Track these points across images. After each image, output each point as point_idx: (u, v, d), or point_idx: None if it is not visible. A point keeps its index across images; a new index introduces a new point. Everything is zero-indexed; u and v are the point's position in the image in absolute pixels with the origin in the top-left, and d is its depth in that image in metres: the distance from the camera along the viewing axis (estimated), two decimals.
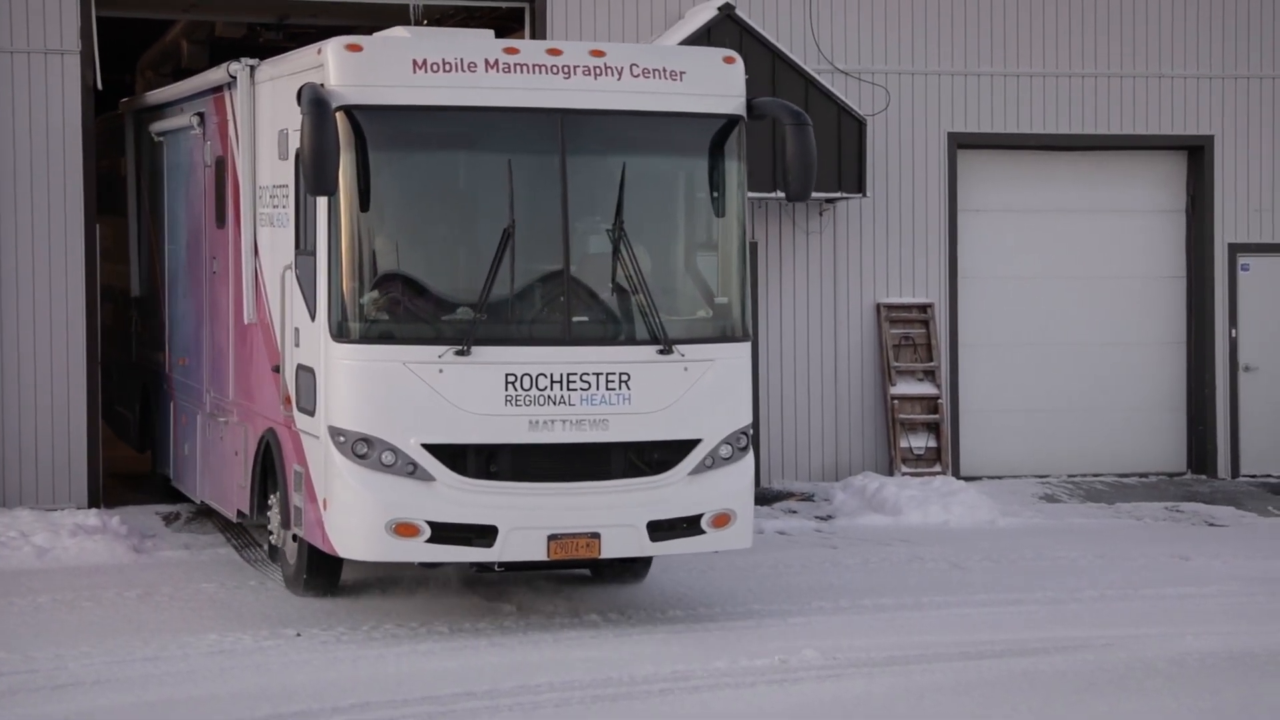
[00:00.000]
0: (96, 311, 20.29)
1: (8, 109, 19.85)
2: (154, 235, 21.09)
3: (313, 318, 14.36)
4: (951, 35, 23.23)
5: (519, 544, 13.85)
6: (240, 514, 17.09)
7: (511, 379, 13.81)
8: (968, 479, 22.30)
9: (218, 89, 17.63)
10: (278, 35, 24.59)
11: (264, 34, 24.94)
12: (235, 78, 16.36)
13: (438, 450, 13.80)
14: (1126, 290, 24.00)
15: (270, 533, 15.91)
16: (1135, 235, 24.08)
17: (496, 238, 13.85)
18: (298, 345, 14.80)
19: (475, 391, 13.80)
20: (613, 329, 14.29)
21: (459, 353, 13.75)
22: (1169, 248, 24.18)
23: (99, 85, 20.32)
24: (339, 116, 13.61)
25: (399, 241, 14.25)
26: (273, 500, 15.73)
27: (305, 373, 14.57)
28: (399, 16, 18.60)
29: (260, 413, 16.13)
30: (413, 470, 13.77)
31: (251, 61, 16.33)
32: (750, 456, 14.62)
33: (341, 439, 13.88)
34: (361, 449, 13.80)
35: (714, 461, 14.33)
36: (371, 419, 13.82)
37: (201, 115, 18.26)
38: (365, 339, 13.90)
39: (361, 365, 13.86)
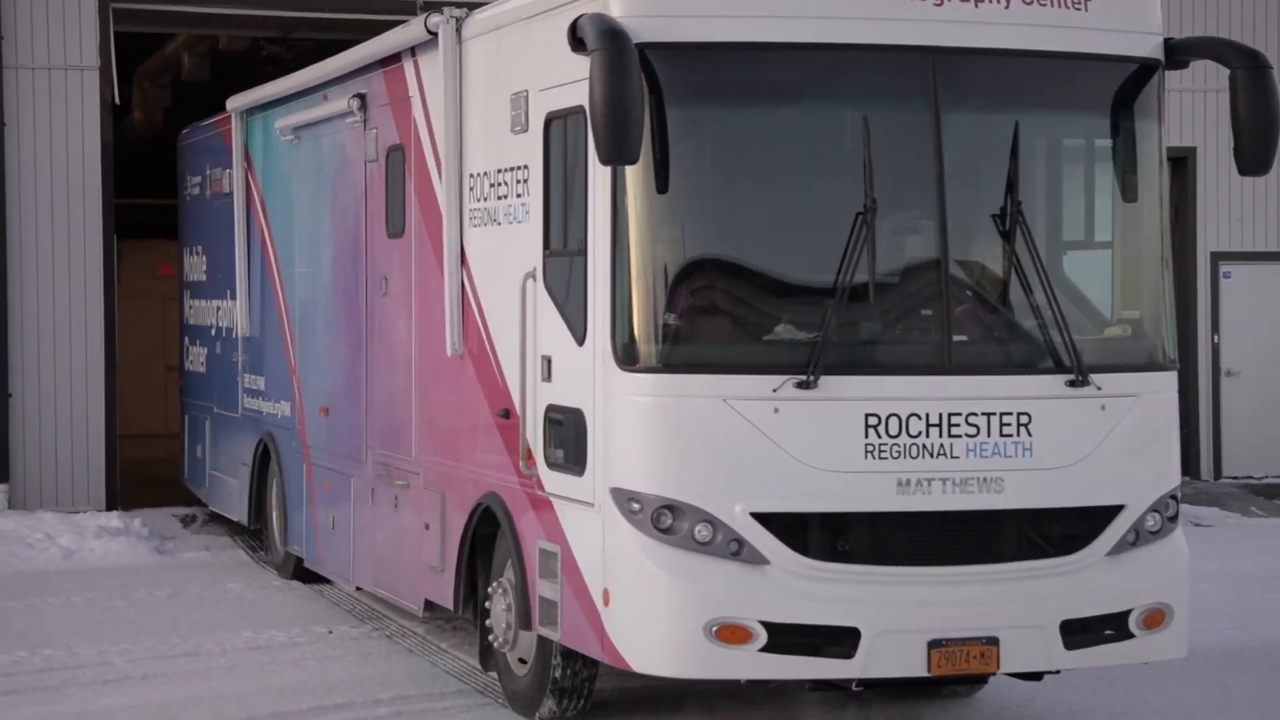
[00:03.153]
0: (115, 322, 20.88)
1: (29, 124, 20.39)
2: (274, 260, 17.16)
3: (579, 340, 10.49)
4: None
5: (889, 653, 9.99)
6: (430, 606, 13.12)
7: (873, 421, 9.96)
8: None
9: (393, 58, 13.77)
10: (281, 49, 25.03)
11: (267, 48, 25.31)
12: (435, 34, 12.42)
13: (772, 521, 9.96)
14: None
15: (489, 632, 11.89)
16: None
17: (847, 226, 10.01)
18: (548, 380, 10.92)
19: (823, 439, 9.98)
20: (1007, 352, 10.45)
21: (801, 384, 9.89)
22: None
23: (116, 100, 21.05)
24: None
25: (713, 232, 10.41)
26: (494, 589, 11.75)
27: (564, 416, 10.72)
28: None
29: (472, 473, 12.24)
30: (737, 550, 9.91)
31: (458, 11, 12.41)
32: (1180, 530, 10.68)
33: (635, 507, 10.00)
34: (665, 521, 9.94)
35: (1138, 537, 10.49)
36: (680, 479, 9.97)
37: (362, 97, 14.40)
38: (668, 367, 10.04)
39: (663, 404, 10.00)
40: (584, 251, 10.40)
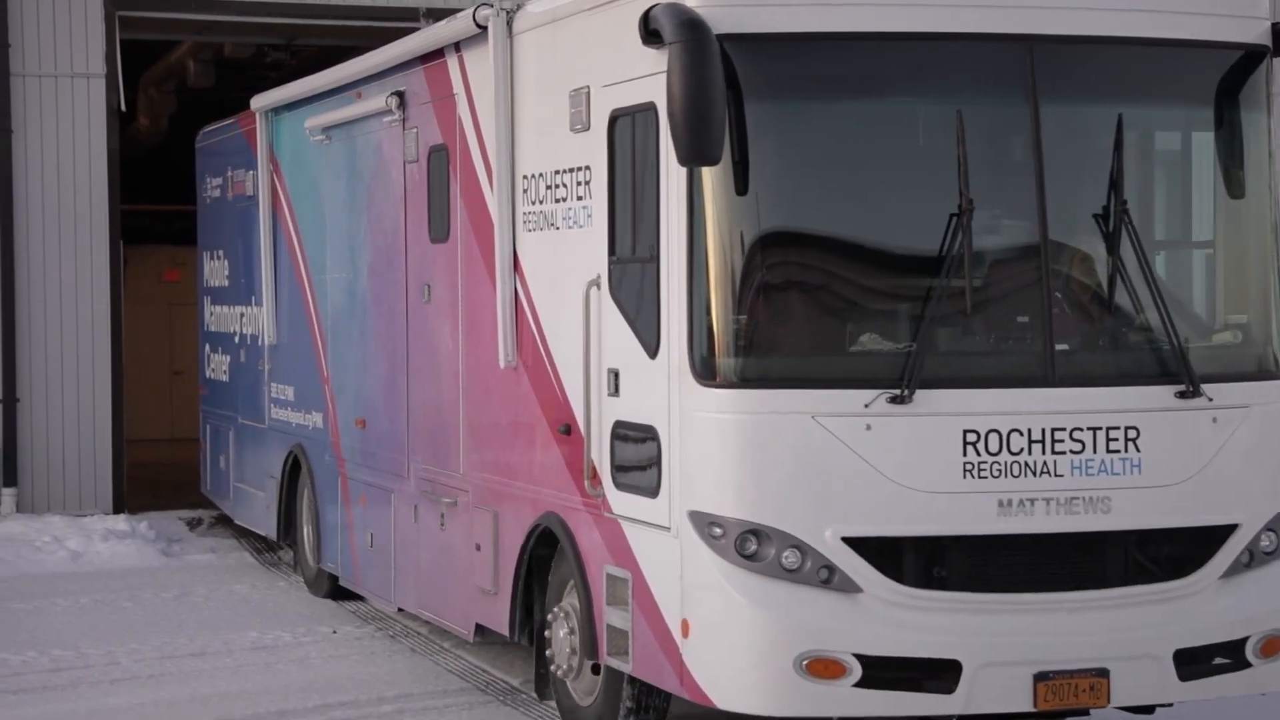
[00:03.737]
0: (120, 329, 21.00)
1: (36, 130, 20.47)
2: (304, 265, 16.43)
3: (651, 353, 9.79)
4: None
5: (992, 688, 9.28)
6: (482, 630, 12.40)
7: (972, 438, 9.25)
8: None
9: (435, 54, 13.05)
10: (286, 55, 24.88)
11: (271, 54, 25.03)
12: (485, 27, 11.69)
13: (865, 546, 9.25)
14: None
15: (550, 661, 11.18)
16: None
17: (941, 228, 9.30)
18: (615, 394, 10.21)
19: (919, 457, 9.28)
20: (1113, 361, 9.71)
21: (895, 399, 9.16)
22: None
23: (123, 107, 21.25)
24: None
25: (796, 237, 9.65)
26: (554, 615, 11.04)
27: (634, 434, 10.02)
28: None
29: (528, 491, 11.52)
30: (828, 577, 9.21)
31: (510, 4, 11.68)
32: None
33: (717, 532, 9.30)
34: (750, 546, 9.24)
35: (1252, 558, 9.80)
36: (765, 502, 9.27)
37: (401, 95, 13.66)
38: (751, 382, 9.34)
39: (746, 421, 9.29)
40: (656, 258, 9.70)
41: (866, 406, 9.17)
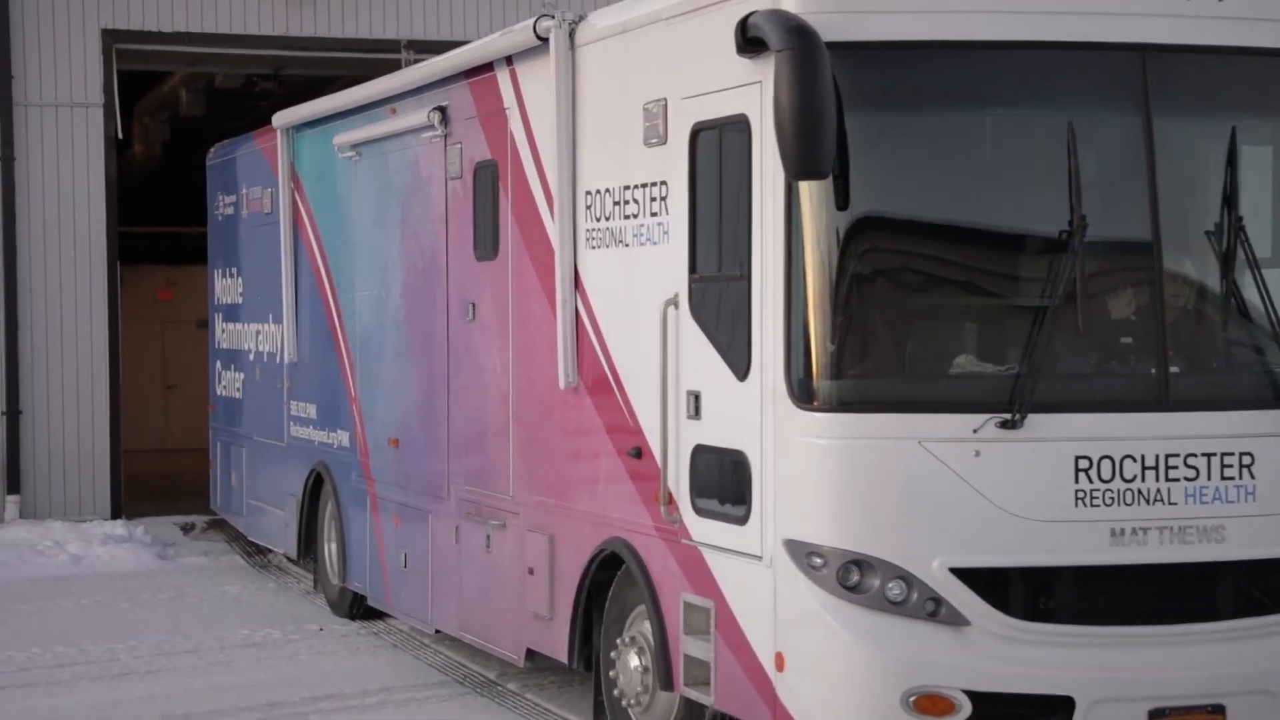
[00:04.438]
0: (118, 345, 21.15)
1: (37, 158, 20.61)
2: (328, 283, 15.55)
3: (741, 375, 8.96)
4: None
5: None
6: (533, 656, 11.53)
7: (1084, 464, 8.46)
8: None
9: (482, 69, 12.18)
10: (274, 85, 24.80)
11: (260, 83, 25.01)
12: (545, 39, 10.84)
13: (973, 578, 8.43)
14: None
15: (612, 687, 10.33)
16: None
17: (1051, 245, 8.53)
18: (696, 417, 9.37)
19: (1030, 484, 8.48)
20: (1227, 385, 8.91)
21: (1005, 424, 8.34)
22: None
23: (120, 135, 21.33)
24: None
25: (900, 254, 8.85)
26: (623, 643, 10.22)
27: (720, 459, 9.18)
28: (391, 66, 18.62)
29: (590, 515, 10.69)
30: (934, 610, 8.39)
31: (572, 15, 10.84)
32: None
33: (817, 561, 8.47)
34: (852, 577, 8.42)
35: None
36: (869, 532, 8.44)
37: (443, 110, 12.79)
38: (853, 406, 8.50)
39: (849, 447, 8.46)
40: (746, 276, 8.87)
41: (975, 432, 8.36)
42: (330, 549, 15.87)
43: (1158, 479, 8.50)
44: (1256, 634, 8.69)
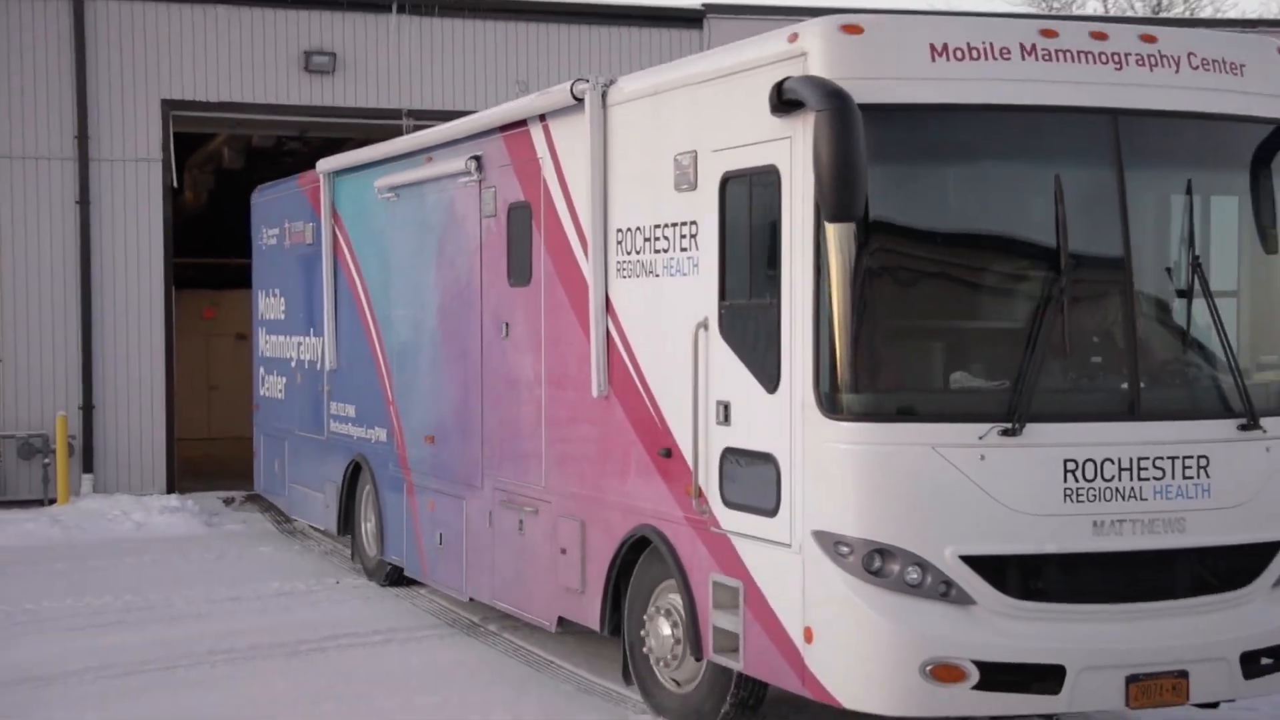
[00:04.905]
0: (172, 353, 21.50)
1: (109, 203, 20.96)
2: (366, 303, 14.86)
3: (770, 388, 8.39)
4: None
5: (1091, 689, 7.98)
6: (564, 623, 10.93)
7: (1071, 466, 7.94)
8: None
9: (516, 124, 11.55)
10: (300, 144, 24.71)
11: (288, 143, 25.03)
12: (581, 99, 10.24)
13: (979, 563, 7.88)
14: None
15: (646, 653, 9.76)
16: None
17: (1041, 277, 8.00)
18: (726, 423, 8.79)
19: (1027, 484, 7.95)
20: (1187, 398, 8.43)
21: (1006, 432, 7.82)
22: None
23: (174, 184, 21.61)
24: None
25: (914, 284, 8.31)
26: (654, 611, 9.65)
27: (750, 460, 8.59)
28: (394, 130, 19.02)
29: (620, 504, 10.08)
30: (946, 591, 7.84)
31: (605, 79, 10.24)
32: None
33: (844, 549, 7.90)
34: (875, 563, 7.86)
35: None
36: (892, 524, 7.88)
37: (479, 159, 12.13)
38: (877, 416, 7.94)
39: (874, 451, 7.91)
40: (775, 304, 8.31)
41: (981, 438, 7.85)
42: (367, 527, 15.20)
43: (1131, 479, 8.03)
44: (1211, 609, 8.24)
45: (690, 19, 24.05)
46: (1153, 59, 8.30)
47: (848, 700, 7.98)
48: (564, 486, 10.85)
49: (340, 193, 15.66)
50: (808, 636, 8.12)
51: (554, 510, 10.98)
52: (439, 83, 22.52)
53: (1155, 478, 8.05)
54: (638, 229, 9.81)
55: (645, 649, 9.74)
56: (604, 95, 10.19)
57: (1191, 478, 8.13)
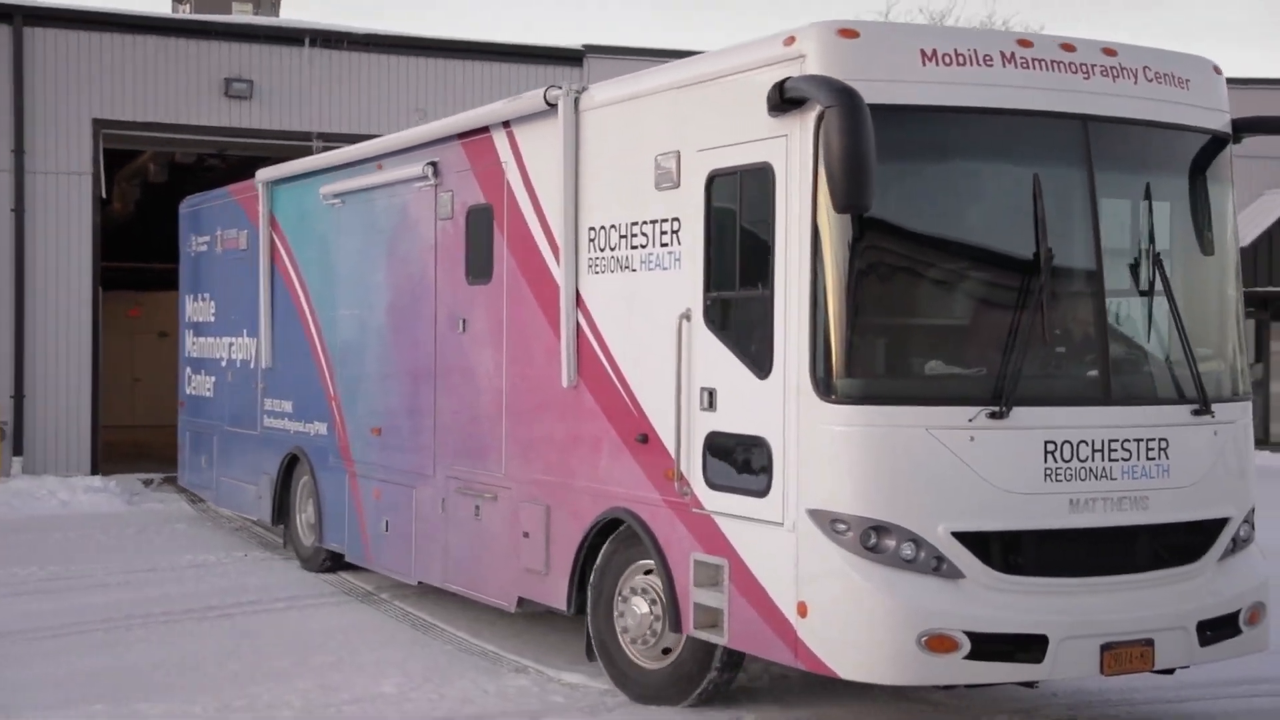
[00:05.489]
0: (98, 348, 21.38)
1: (42, 212, 21.02)
2: (306, 304, 14.12)
3: (761, 374, 7.95)
4: None
5: (1071, 657, 7.65)
6: (525, 603, 10.36)
7: (1051, 448, 7.62)
8: None
9: (477, 131, 10.97)
10: (219, 161, 24.82)
11: (208, 160, 24.97)
12: (554, 105, 9.71)
13: (969, 539, 7.49)
14: None
15: (621, 630, 9.24)
16: None
17: (1023, 269, 7.68)
18: (710, 409, 8.32)
19: (1010, 464, 7.60)
20: (1150, 385, 8.18)
21: (993, 415, 7.46)
22: None
23: (104, 196, 21.81)
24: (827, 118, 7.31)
25: (906, 274, 7.92)
26: (630, 591, 9.13)
27: (739, 443, 8.14)
28: (304, 150, 19.26)
29: (590, 489, 9.53)
30: (937, 566, 7.47)
31: (577, 86, 9.73)
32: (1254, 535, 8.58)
33: (841, 527, 7.49)
34: (872, 540, 7.44)
35: (1235, 545, 8.38)
36: (888, 502, 7.48)
37: (435, 165, 11.52)
38: (873, 399, 7.54)
39: (871, 433, 7.50)
40: (767, 294, 7.88)
41: (970, 421, 7.50)
42: (302, 517, 14.42)
43: (1103, 459, 7.75)
44: (1170, 581, 7.99)
45: (571, 57, 24.33)
46: (1114, 70, 8.05)
47: (844, 671, 7.56)
48: (526, 473, 10.29)
49: (279, 201, 14.89)
50: (801, 611, 7.69)
51: (515, 496, 10.41)
52: (346, 109, 22.77)
53: (1123, 459, 7.78)
54: (612, 226, 9.32)
55: (620, 627, 9.22)
56: (576, 101, 9.67)
57: (1154, 459, 7.88)
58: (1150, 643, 7.75)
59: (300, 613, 11.98)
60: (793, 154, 7.68)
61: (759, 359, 7.96)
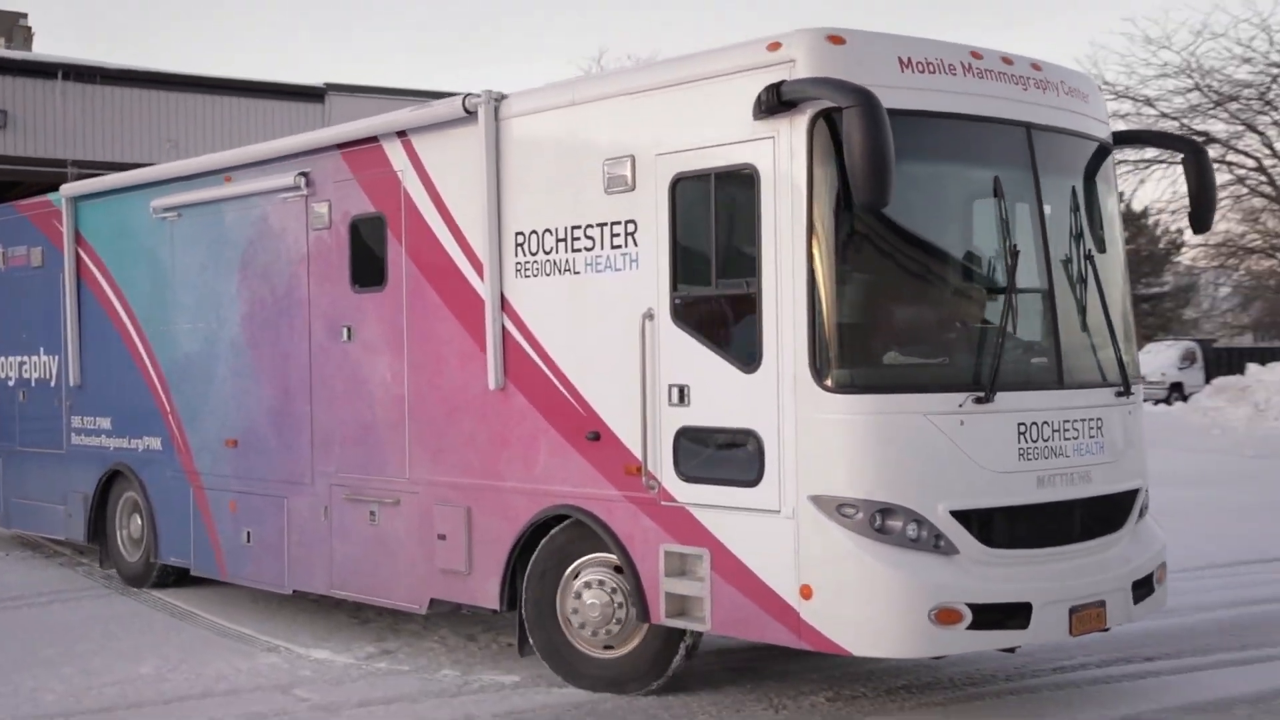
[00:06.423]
0: None
1: None
2: (129, 319, 12.26)
3: (747, 368, 7.14)
4: None
5: (1047, 622, 7.21)
6: (436, 604, 9.15)
7: (1023, 429, 7.17)
8: None
9: (361, 142, 9.66)
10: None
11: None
12: (473, 112, 8.59)
13: (963, 517, 6.95)
14: None
15: (578, 625, 8.22)
16: None
17: (992, 264, 7.21)
18: (682, 404, 7.45)
19: (993, 445, 7.11)
20: (1090, 370, 7.80)
21: (979, 400, 6.95)
22: None
23: None
24: (819, 122, 6.66)
25: (895, 272, 7.26)
26: (584, 586, 8.13)
27: (716, 436, 7.30)
28: (61, 178, 17.95)
29: (525, 489, 8.45)
30: (937, 544, 6.89)
31: (498, 93, 8.64)
32: None
33: (849, 511, 6.80)
34: (879, 521, 6.77)
35: (1142, 511, 8.13)
36: (893, 485, 6.84)
37: (306, 175, 10.10)
38: (874, 388, 6.88)
39: (875, 420, 6.85)
40: (753, 290, 7.10)
41: (960, 406, 6.95)
42: (123, 534, 12.49)
43: (1060, 439, 7.36)
44: (1107, 548, 7.67)
45: (313, 94, 23.01)
46: (1043, 83, 7.70)
47: (856, 648, 6.85)
48: (438, 477, 9.07)
49: (87, 217, 12.87)
50: (805, 593, 6.93)
51: (423, 500, 9.16)
52: (101, 138, 21.37)
53: (1073, 437, 7.42)
54: (546, 231, 8.28)
55: (572, 621, 8.18)
56: (496, 110, 8.58)
57: (1094, 437, 7.55)
58: (1103, 604, 7.41)
59: (64, 606, 11.36)
60: (781, 155, 6.94)
61: (741, 353, 7.16)
